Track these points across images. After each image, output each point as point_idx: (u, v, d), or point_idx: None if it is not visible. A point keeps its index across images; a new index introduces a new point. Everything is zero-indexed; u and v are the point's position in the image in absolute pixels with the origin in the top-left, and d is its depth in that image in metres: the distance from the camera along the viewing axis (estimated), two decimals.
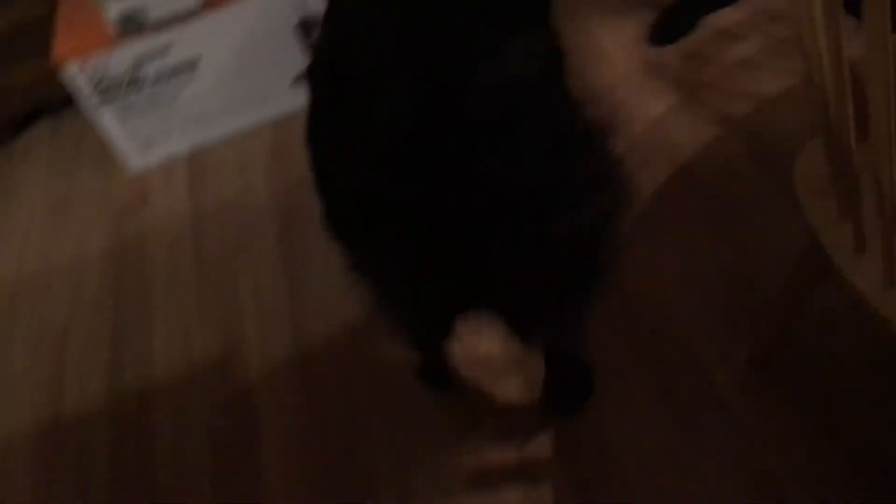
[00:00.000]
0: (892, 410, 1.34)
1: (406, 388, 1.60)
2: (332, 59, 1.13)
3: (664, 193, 1.79)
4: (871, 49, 0.75)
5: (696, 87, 1.96)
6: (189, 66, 2.15)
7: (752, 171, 1.76)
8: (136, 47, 2.10)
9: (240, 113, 2.28)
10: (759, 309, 1.51)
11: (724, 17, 2.09)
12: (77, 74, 2.11)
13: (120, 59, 2.11)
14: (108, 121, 2.21)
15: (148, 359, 1.84)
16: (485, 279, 1.05)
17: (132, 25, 2.05)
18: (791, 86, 1.88)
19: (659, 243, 1.70)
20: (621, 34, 2.14)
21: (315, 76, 1.15)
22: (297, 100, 1.34)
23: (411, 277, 1.10)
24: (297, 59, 2.06)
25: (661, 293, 1.61)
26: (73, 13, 2.19)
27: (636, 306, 1.61)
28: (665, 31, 2.10)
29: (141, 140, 2.27)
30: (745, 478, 1.33)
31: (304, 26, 2.15)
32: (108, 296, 2.01)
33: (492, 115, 0.94)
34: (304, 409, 1.64)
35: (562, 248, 1.03)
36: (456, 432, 1.52)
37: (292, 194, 2.07)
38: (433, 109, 0.93)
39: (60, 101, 2.50)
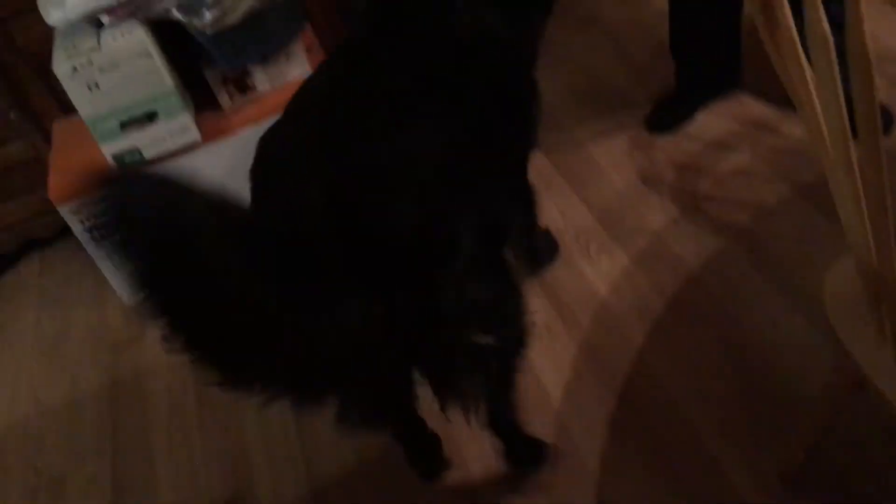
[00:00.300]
0: None
1: None
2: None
3: (674, 306, 1.79)
4: None
5: (694, 198, 1.99)
6: None
7: (757, 279, 1.77)
8: None
9: None
10: (784, 422, 1.49)
11: (714, 128, 2.15)
12: (72, 215, 2.10)
13: None
14: (104, 257, 2.18)
15: (151, 501, 1.76)
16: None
17: (129, 163, 2.05)
18: (786, 193, 1.92)
19: (674, 357, 1.69)
20: (613, 148, 2.19)
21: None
22: None
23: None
24: None
25: (683, 409, 1.59)
26: (68, 152, 2.19)
27: (659, 423, 1.58)
28: (663, 118, 2.15)
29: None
30: None
31: None
32: (106, 440, 1.94)
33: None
34: None
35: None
36: None
37: None
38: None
39: (51, 235, 2.48)
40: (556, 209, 2.08)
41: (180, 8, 1.86)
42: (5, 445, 2.01)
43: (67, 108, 2.06)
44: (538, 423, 1.62)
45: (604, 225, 2.00)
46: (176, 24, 1.89)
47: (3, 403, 2.13)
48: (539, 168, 2.16)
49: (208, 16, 1.86)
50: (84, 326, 2.27)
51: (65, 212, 2.07)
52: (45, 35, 1.94)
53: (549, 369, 1.74)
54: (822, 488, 1.40)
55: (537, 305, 1.86)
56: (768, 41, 0.85)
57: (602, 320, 1.81)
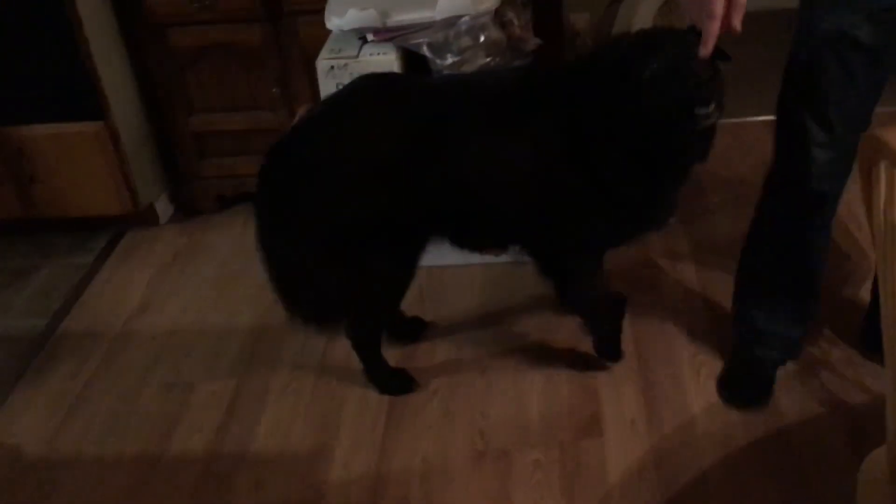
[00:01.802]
0: None
1: None
2: None
3: (755, 449, 1.85)
4: None
5: (814, 362, 2.04)
6: None
7: (847, 456, 1.79)
8: None
9: None
10: None
11: None
12: None
13: None
14: None
15: (251, 431, 2.05)
16: None
17: None
18: None
19: (732, 492, 1.75)
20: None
21: None
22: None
23: None
24: None
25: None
26: None
27: None
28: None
29: None
30: None
31: None
32: (238, 368, 2.27)
33: None
34: None
35: None
36: None
37: None
38: None
39: None
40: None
41: (430, 46, 2.19)
42: (163, 345, 2.40)
43: (316, 98, 2.46)
44: (588, 489, 1.76)
45: (721, 354, 2.08)
46: (422, 58, 2.23)
47: (175, 312, 2.53)
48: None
49: (450, 59, 2.18)
50: (260, 273, 2.64)
51: None
52: (321, 35, 2.35)
53: (617, 454, 1.86)
54: None
55: (630, 396, 1.99)
56: None
57: (684, 433, 1.91)
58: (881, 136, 0.95)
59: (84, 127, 2.66)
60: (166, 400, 2.19)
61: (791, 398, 1.95)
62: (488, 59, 2.15)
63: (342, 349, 2.28)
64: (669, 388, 2.03)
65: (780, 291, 1.88)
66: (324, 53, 2.25)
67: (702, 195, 2.71)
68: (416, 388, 2.10)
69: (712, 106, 1.55)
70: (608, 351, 2.09)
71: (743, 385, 1.97)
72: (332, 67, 2.21)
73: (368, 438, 1.99)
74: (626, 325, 2.17)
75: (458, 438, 1.96)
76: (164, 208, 2.99)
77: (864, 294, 2.15)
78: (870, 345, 2.02)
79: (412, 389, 2.10)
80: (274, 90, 2.71)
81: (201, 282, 2.65)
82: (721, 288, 2.21)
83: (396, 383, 2.12)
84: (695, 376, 2.05)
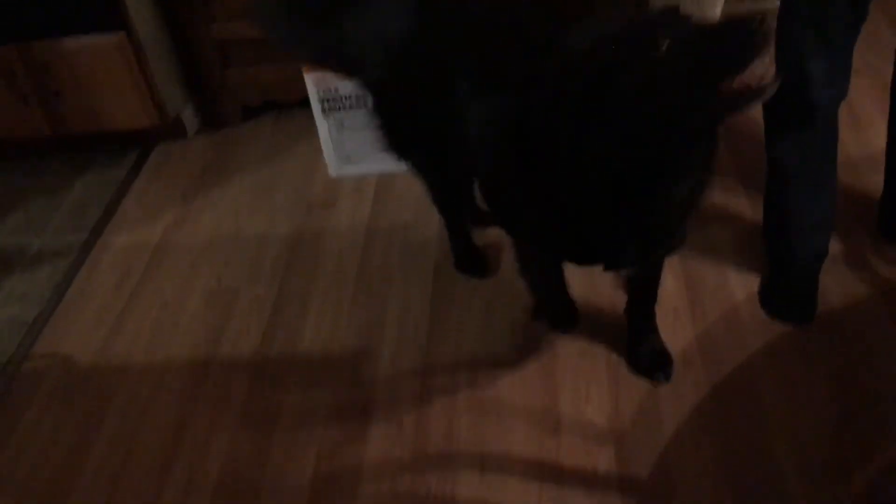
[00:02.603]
0: None
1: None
2: None
3: (801, 332, 1.86)
4: None
5: (862, 245, 2.02)
6: None
7: (890, 336, 1.80)
8: None
9: None
10: (861, 463, 1.55)
11: None
12: (313, 85, 2.45)
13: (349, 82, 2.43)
14: (325, 129, 2.53)
15: (297, 333, 2.08)
16: None
17: None
18: None
19: (780, 373, 1.78)
20: None
21: None
22: None
23: None
24: None
25: (768, 420, 1.69)
26: None
27: (740, 422, 1.69)
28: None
29: (346, 152, 2.57)
30: None
31: None
32: (279, 273, 2.29)
33: None
34: (412, 419, 1.82)
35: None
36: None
37: None
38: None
39: (288, 102, 2.87)
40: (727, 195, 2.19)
41: None
42: (202, 254, 2.42)
43: None
44: (633, 377, 1.80)
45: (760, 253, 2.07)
46: None
47: (212, 222, 2.54)
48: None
49: None
50: (292, 182, 2.64)
51: (310, 80, 2.42)
52: None
53: (665, 340, 1.87)
54: None
55: (673, 288, 1.99)
56: None
57: (728, 321, 1.92)
58: None
59: (106, 39, 2.61)
60: (211, 307, 2.22)
61: (831, 285, 1.94)
62: None
63: (380, 251, 2.30)
64: (711, 278, 2.03)
65: (809, 189, 1.85)
66: None
67: None
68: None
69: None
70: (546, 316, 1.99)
71: (789, 298, 1.94)
72: None
73: (412, 336, 2.02)
74: None
75: (501, 332, 1.98)
76: (190, 120, 2.96)
77: (873, 187, 2.12)
78: (887, 232, 2.04)
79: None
80: None
81: (235, 193, 2.65)
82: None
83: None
84: (736, 267, 2.04)
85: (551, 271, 1.85)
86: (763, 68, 1.22)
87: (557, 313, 1.98)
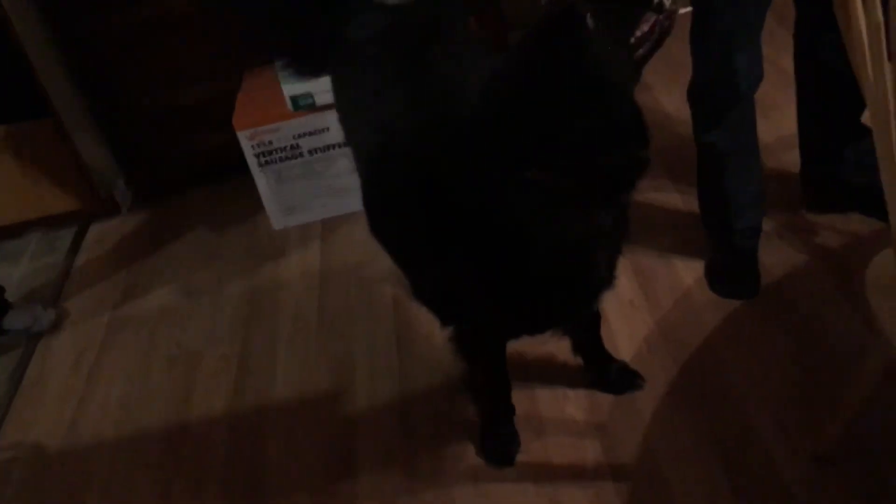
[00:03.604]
0: None
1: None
2: None
3: (753, 304, 1.96)
4: None
5: (794, 217, 2.15)
6: (339, 146, 2.48)
7: (838, 297, 1.92)
8: (300, 124, 2.46)
9: None
10: (829, 411, 1.64)
11: None
12: (247, 141, 2.48)
13: (285, 133, 2.47)
14: (263, 183, 2.56)
15: (268, 385, 2.08)
16: None
17: (303, 106, 2.42)
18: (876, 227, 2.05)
19: (741, 344, 1.87)
20: None
21: None
22: None
23: None
24: None
25: (738, 387, 1.77)
26: (254, 91, 2.59)
27: (712, 394, 1.77)
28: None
29: (287, 203, 2.60)
30: None
31: None
32: (240, 329, 2.29)
33: None
34: (399, 445, 1.84)
35: None
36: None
37: None
38: None
39: (224, 163, 2.88)
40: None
41: None
42: (157, 323, 2.40)
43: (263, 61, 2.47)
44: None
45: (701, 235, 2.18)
46: None
47: (161, 292, 2.52)
48: None
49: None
50: (237, 241, 2.66)
51: (243, 137, 2.46)
52: None
53: (625, 335, 1.95)
54: (851, 471, 1.55)
55: (626, 283, 2.08)
56: None
57: (682, 306, 2.01)
58: None
59: (32, 126, 2.60)
60: (175, 373, 2.20)
61: (772, 258, 2.06)
62: None
63: (337, 293, 2.33)
64: (660, 269, 2.13)
65: (740, 170, 1.98)
66: None
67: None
68: None
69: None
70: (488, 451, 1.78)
71: (734, 276, 2.05)
72: None
73: (384, 370, 2.04)
74: None
75: None
76: (125, 196, 2.95)
77: (789, 165, 2.27)
78: (810, 204, 2.17)
79: None
80: (214, 59, 2.68)
81: (180, 260, 2.64)
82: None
83: None
84: (681, 256, 2.14)
85: (496, 356, 1.71)
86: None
87: (498, 434, 1.79)
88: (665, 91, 2.77)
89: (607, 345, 1.87)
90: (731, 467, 1.62)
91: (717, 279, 2.04)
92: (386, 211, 1.60)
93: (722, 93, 1.87)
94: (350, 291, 2.33)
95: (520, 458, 1.74)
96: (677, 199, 2.33)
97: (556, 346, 1.95)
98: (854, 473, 1.54)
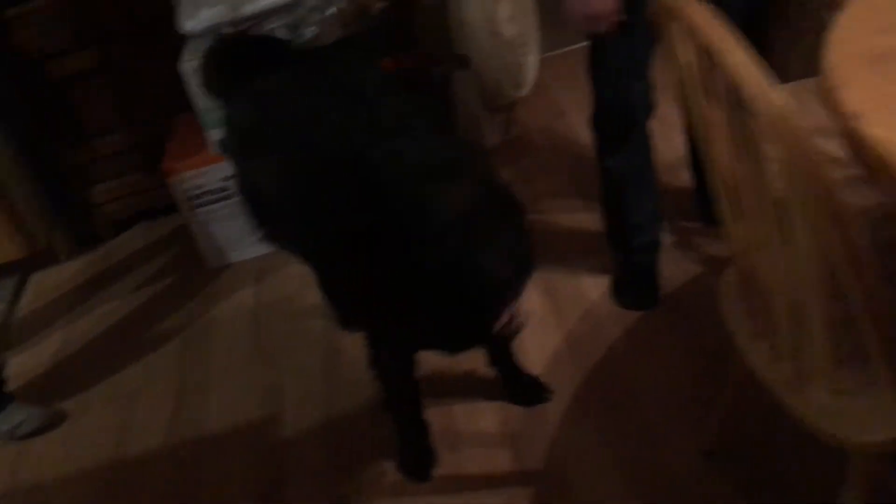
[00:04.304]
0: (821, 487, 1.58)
1: None
2: None
3: (655, 314, 2.10)
4: None
5: (688, 231, 2.31)
6: None
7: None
8: (228, 167, 2.57)
9: None
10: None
11: None
12: (178, 185, 2.59)
13: (214, 175, 2.58)
14: (196, 225, 2.67)
15: (203, 417, 2.19)
16: None
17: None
18: None
19: (642, 352, 2.01)
20: None
21: None
22: None
23: None
24: None
25: (639, 392, 1.91)
26: (182, 136, 2.70)
27: (614, 399, 1.91)
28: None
29: (220, 243, 2.71)
30: None
31: None
32: (175, 366, 2.39)
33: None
34: (325, 467, 1.94)
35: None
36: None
37: None
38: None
39: (157, 207, 2.99)
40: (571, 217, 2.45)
41: (287, 28, 2.34)
42: (91, 361, 2.48)
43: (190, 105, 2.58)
44: None
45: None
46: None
47: (100, 336, 2.61)
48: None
49: (308, 34, 2.33)
50: (173, 282, 2.75)
51: (173, 181, 2.57)
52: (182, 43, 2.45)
53: (535, 349, 2.08)
54: (736, 461, 1.69)
55: (535, 300, 2.21)
56: None
57: (588, 319, 2.15)
58: (666, 3, 1.15)
59: None
60: (112, 412, 2.29)
61: (670, 269, 2.21)
62: (343, 28, 2.31)
63: (270, 325, 2.44)
64: (567, 285, 2.27)
65: (637, 191, 2.12)
66: (186, 56, 2.37)
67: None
68: None
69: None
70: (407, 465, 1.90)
71: (635, 288, 2.20)
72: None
73: (313, 394, 2.15)
74: None
75: None
76: (62, 244, 3.03)
77: (687, 183, 2.40)
78: (703, 218, 2.30)
79: None
80: (143, 104, 2.80)
81: (118, 304, 2.73)
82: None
83: None
84: (587, 271, 2.29)
85: (405, 376, 1.82)
86: None
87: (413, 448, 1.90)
88: (579, 117, 2.93)
89: (519, 359, 2.00)
90: (628, 466, 1.75)
91: (620, 292, 2.19)
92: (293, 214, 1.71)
93: (618, 121, 2.02)
94: (282, 324, 2.44)
95: (437, 471, 1.86)
96: (587, 218, 2.47)
97: (475, 362, 2.08)
98: (736, 465, 1.68)
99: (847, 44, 1.27)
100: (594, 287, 2.24)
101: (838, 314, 1.08)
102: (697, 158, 2.30)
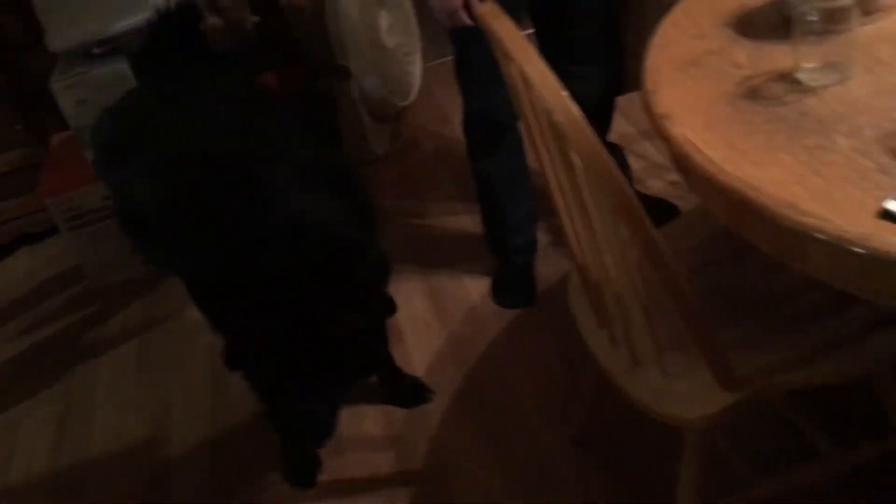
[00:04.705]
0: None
1: None
2: None
3: (531, 314, 2.18)
4: None
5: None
6: None
7: None
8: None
9: None
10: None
11: None
12: (57, 207, 2.55)
13: (93, 195, 2.55)
14: (77, 245, 2.62)
15: (87, 441, 2.16)
16: None
17: None
18: None
19: (518, 350, 2.08)
20: None
21: None
22: None
23: None
24: None
25: (515, 389, 1.97)
26: (60, 156, 2.66)
27: (493, 396, 1.97)
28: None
29: (103, 261, 2.67)
30: None
31: None
32: (60, 390, 2.35)
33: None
34: (211, 482, 1.95)
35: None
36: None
37: None
38: None
39: (39, 230, 2.93)
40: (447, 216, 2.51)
41: None
42: None
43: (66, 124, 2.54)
44: None
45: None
46: None
47: None
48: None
49: None
50: (56, 305, 2.70)
51: (51, 202, 2.52)
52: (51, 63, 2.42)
53: (418, 352, 2.13)
54: (603, 454, 1.77)
55: (419, 303, 2.27)
56: None
57: (469, 319, 2.21)
58: (497, 34, 1.19)
59: None
60: None
61: (547, 268, 2.29)
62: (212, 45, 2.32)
63: (156, 344, 2.42)
64: (450, 287, 2.33)
65: (511, 194, 2.19)
66: (56, 76, 2.34)
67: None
68: None
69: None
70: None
71: (512, 288, 2.27)
72: (69, 86, 2.30)
73: (200, 410, 2.15)
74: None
75: None
76: None
77: None
78: None
79: None
80: (17, 127, 2.74)
81: (2, 330, 2.66)
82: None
83: None
84: (469, 273, 2.35)
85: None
86: None
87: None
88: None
89: (402, 362, 2.05)
90: (506, 459, 1.82)
91: (499, 293, 2.26)
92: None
93: (487, 126, 2.08)
94: (169, 341, 2.42)
95: (322, 477, 1.89)
96: (468, 221, 2.54)
97: None
98: (604, 451, 1.76)
99: (665, 48, 1.36)
100: (476, 288, 2.30)
101: (653, 304, 1.16)
102: None
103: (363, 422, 2.00)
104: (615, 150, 2.26)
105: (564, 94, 0.96)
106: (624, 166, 2.25)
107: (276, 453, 1.94)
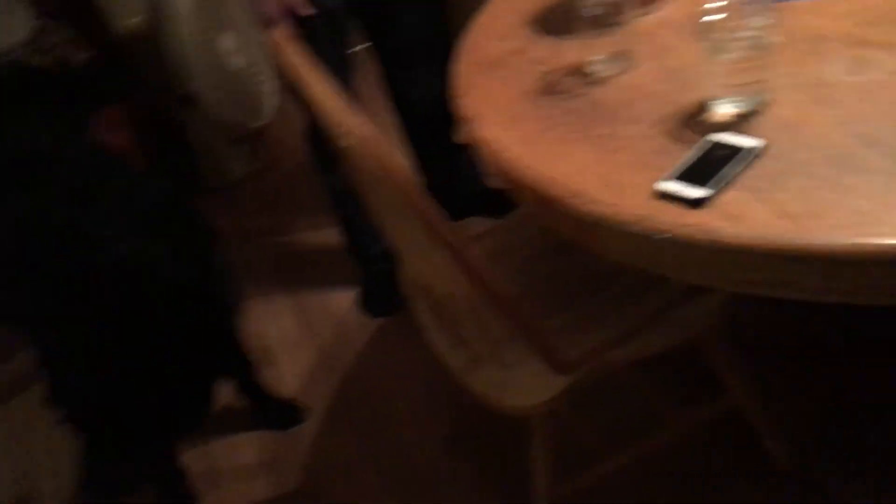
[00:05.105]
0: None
1: None
2: None
3: (397, 322, 2.20)
4: None
5: None
6: None
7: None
8: None
9: None
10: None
11: None
12: None
13: None
14: None
15: None
16: None
17: None
18: None
19: (387, 358, 2.10)
20: None
21: None
22: None
23: None
24: None
25: (386, 396, 1.99)
26: None
27: (366, 404, 1.99)
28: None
29: None
30: None
31: None
32: None
33: None
34: None
35: None
36: None
37: None
38: None
39: None
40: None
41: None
42: None
43: None
44: None
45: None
46: None
47: None
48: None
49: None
50: None
51: None
52: None
53: (290, 371, 2.13)
54: (472, 449, 1.81)
55: (287, 321, 2.26)
56: None
57: (337, 332, 2.22)
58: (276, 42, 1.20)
59: None
60: None
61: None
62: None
63: (14, 407, 2.33)
64: (317, 301, 2.33)
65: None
66: None
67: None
68: None
69: None
70: None
71: (377, 297, 2.28)
72: None
73: (66, 466, 2.07)
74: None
75: None
76: None
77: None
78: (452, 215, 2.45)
79: None
80: None
81: None
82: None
83: None
84: (335, 286, 2.36)
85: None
86: None
87: None
88: None
89: (276, 383, 2.04)
90: (381, 464, 1.84)
91: (365, 302, 2.28)
92: None
93: (327, 136, 2.08)
94: (32, 398, 2.33)
95: None
96: (332, 234, 2.54)
97: (227, 396, 2.09)
98: (473, 450, 1.80)
99: (471, 52, 1.41)
100: (343, 300, 2.31)
101: (480, 301, 1.20)
102: (420, 165, 2.43)
103: (238, 450, 1.98)
104: (463, 150, 2.31)
105: (350, 112, 0.99)
106: (474, 164, 2.30)
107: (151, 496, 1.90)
